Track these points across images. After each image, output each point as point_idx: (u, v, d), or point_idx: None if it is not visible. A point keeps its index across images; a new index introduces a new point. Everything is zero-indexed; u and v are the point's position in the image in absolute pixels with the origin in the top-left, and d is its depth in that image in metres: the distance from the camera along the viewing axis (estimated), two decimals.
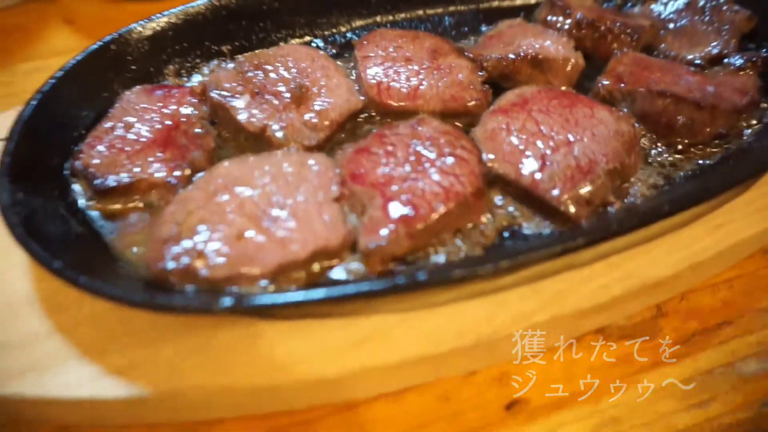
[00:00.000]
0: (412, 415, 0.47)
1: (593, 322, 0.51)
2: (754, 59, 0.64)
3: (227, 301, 0.40)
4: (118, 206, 0.53)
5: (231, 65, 0.63)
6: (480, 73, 0.64)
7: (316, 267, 0.48)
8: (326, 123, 0.59)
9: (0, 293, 0.49)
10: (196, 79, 0.68)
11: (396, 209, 0.49)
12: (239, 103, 0.59)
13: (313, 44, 0.74)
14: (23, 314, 0.47)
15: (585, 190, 0.52)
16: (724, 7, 0.70)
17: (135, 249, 0.51)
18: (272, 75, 0.62)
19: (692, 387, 0.49)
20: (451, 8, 0.79)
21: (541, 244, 0.45)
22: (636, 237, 0.51)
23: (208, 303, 0.40)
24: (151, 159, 0.55)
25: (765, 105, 0.62)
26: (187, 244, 0.47)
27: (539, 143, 0.55)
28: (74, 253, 0.47)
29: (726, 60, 0.66)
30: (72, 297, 0.48)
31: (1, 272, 0.50)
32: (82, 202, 0.53)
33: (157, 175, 0.54)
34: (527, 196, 0.54)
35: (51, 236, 0.47)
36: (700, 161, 0.58)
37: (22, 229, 0.44)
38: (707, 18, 0.71)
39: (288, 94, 0.60)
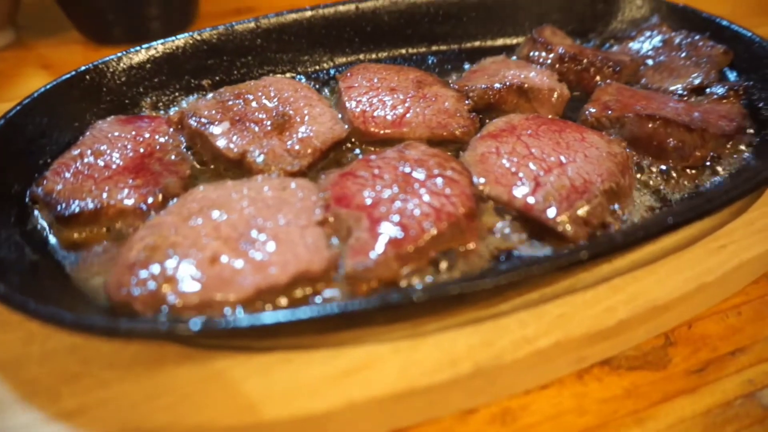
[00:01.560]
0: None
1: (600, 351, 0.47)
2: (736, 88, 0.64)
3: (196, 324, 0.35)
4: (82, 235, 0.49)
5: (210, 95, 0.61)
6: (466, 102, 0.63)
7: (298, 294, 0.44)
8: (309, 150, 0.57)
9: None
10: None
11: (384, 230, 0.46)
12: (218, 129, 0.57)
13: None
14: None
15: (582, 210, 0.49)
16: (700, 43, 0.72)
17: (98, 280, 0.46)
18: (254, 104, 0.60)
19: (713, 420, 0.45)
20: (434, 48, 0.80)
21: (544, 259, 0.42)
22: (638, 257, 0.49)
23: (173, 326, 0.36)
24: (121, 185, 0.52)
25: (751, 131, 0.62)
26: (154, 269, 0.42)
27: (531, 165, 0.53)
28: (26, 282, 0.42)
29: (708, 90, 0.66)
30: (20, 333, 0.43)
31: None
32: (43, 231, 0.49)
33: (126, 201, 0.50)
34: (522, 219, 0.51)
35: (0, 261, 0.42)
36: (696, 182, 0.56)
37: None
38: (684, 54, 0.72)
39: (269, 122, 0.58)
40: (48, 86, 0.58)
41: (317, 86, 0.72)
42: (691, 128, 0.56)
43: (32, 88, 0.87)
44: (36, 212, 0.50)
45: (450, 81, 0.73)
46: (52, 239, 0.49)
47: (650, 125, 0.57)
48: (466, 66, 0.77)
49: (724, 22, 0.73)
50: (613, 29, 0.81)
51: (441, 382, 0.41)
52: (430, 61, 0.78)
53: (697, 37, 0.73)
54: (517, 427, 0.44)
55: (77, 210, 0.48)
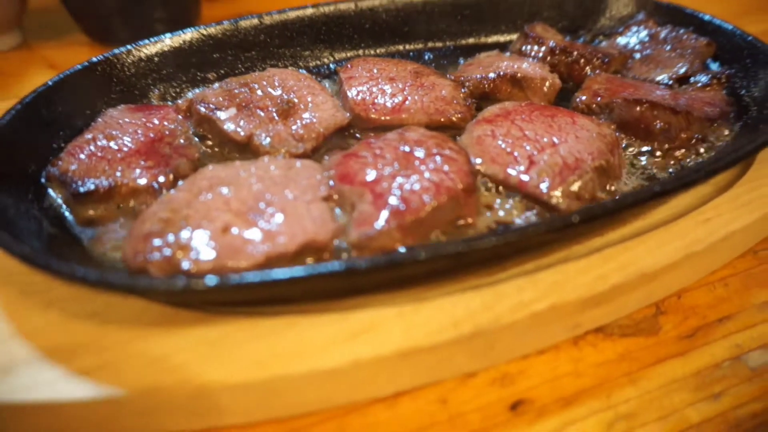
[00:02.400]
0: (407, 420, 0.44)
1: (593, 318, 0.49)
2: (719, 76, 0.68)
3: (212, 279, 0.37)
4: (96, 213, 0.51)
5: (217, 85, 0.64)
6: (462, 90, 0.66)
7: (306, 262, 0.46)
8: (313, 135, 0.59)
9: None
10: None
11: (387, 203, 0.48)
12: (225, 114, 0.59)
13: None
14: None
15: (574, 185, 0.52)
16: (684, 37, 0.75)
17: (114, 252, 0.48)
18: (259, 92, 0.63)
19: (702, 381, 0.47)
20: (430, 44, 0.83)
21: (539, 222, 0.44)
22: (629, 231, 0.51)
23: (190, 282, 0.38)
24: (133, 166, 0.54)
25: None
26: (169, 238, 0.44)
27: (525, 145, 0.56)
28: (45, 248, 0.44)
29: (693, 79, 0.69)
30: (37, 299, 0.45)
31: None
32: (59, 208, 0.51)
33: (139, 180, 0.52)
34: (518, 197, 0.53)
35: (21, 230, 0.44)
36: (682, 163, 0.59)
37: None
38: (670, 47, 0.75)
39: (275, 109, 0.61)
40: (62, 75, 0.61)
41: (319, 80, 0.75)
42: (676, 111, 0.59)
43: (37, 85, 0.90)
44: (51, 192, 0.52)
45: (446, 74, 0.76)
46: (68, 216, 0.51)
47: (638, 109, 0.60)
48: (461, 61, 0.80)
49: (707, 17, 0.76)
50: (601, 26, 0.85)
51: (443, 342, 0.43)
52: (426, 57, 0.81)
53: (681, 31, 0.76)
54: (516, 389, 0.46)
55: (92, 187, 0.51)
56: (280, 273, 0.38)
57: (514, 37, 0.84)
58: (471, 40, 0.84)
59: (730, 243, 0.54)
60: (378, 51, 0.81)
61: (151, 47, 0.68)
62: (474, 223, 0.51)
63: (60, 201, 0.52)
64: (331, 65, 0.78)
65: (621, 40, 0.79)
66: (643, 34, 0.78)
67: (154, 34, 0.99)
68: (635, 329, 0.51)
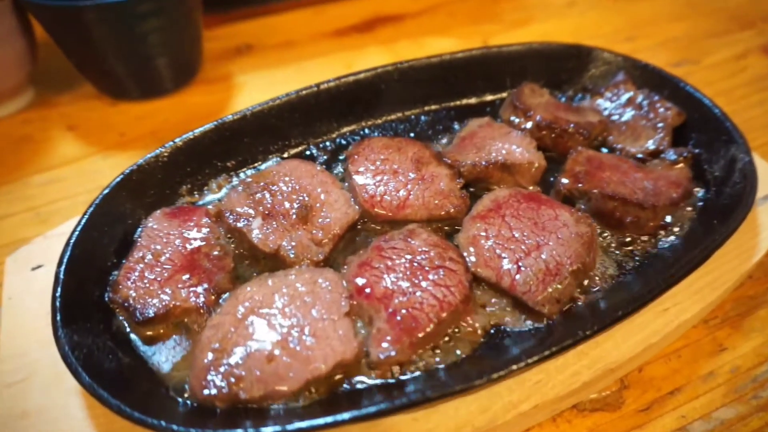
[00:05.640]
0: None
1: (569, 402, 0.61)
2: (684, 154, 0.76)
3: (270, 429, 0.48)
4: (154, 332, 0.61)
5: (240, 188, 0.72)
6: (458, 180, 0.74)
7: (334, 378, 0.57)
8: (330, 236, 0.68)
9: (59, 420, 0.56)
10: (207, 195, 0.76)
11: (399, 321, 0.58)
12: (252, 226, 0.68)
13: (308, 152, 0.83)
14: None
15: (554, 290, 0.62)
16: (658, 105, 0.82)
17: (175, 370, 0.59)
18: (278, 196, 0.71)
19: None
20: (426, 108, 0.89)
21: (522, 352, 0.55)
22: None
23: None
24: (180, 285, 0.63)
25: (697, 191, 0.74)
26: (225, 370, 0.55)
27: (513, 248, 0.65)
28: (128, 386, 0.54)
29: (662, 155, 0.78)
30: (123, 423, 0.56)
31: (57, 401, 0.57)
32: (124, 329, 0.61)
33: (190, 300, 0.62)
34: (507, 295, 0.64)
35: (107, 372, 0.54)
36: (648, 250, 0.68)
37: (85, 375, 0.52)
38: (644, 112, 0.83)
39: (294, 212, 0.69)
40: (103, 193, 0.68)
41: (326, 157, 0.82)
42: (644, 207, 0.68)
43: (64, 153, 0.97)
44: (115, 314, 0.62)
45: (442, 143, 0.84)
46: (133, 336, 0.61)
47: (611, 204, 0.69)
48: (455, 125, 0.87)
49: (681, 83, 0.83)
50: (584, 82, 0.91)
51: None
52: (422, 121, 0.88)
53: (656, 98, 0.83)
54: None
55: (152, 314, 0.60)
56: (332, 418, 0.49)
57: (504, 94, 0.91)
58: (464, 101, 0.91)
59: (683, 326, 0.65)
60: (379, 120, 0.87)
61: (175, 148, 0.75)
62: (471, 325, 0.62)
63: (123, 323, 0.62)
64: (338, 139, 0.85)
65: (602, 103, 0.87)
66: (623, 97, 0.85)
67: (162, 83, 1.06)
68: (603, 404, 0.63)
